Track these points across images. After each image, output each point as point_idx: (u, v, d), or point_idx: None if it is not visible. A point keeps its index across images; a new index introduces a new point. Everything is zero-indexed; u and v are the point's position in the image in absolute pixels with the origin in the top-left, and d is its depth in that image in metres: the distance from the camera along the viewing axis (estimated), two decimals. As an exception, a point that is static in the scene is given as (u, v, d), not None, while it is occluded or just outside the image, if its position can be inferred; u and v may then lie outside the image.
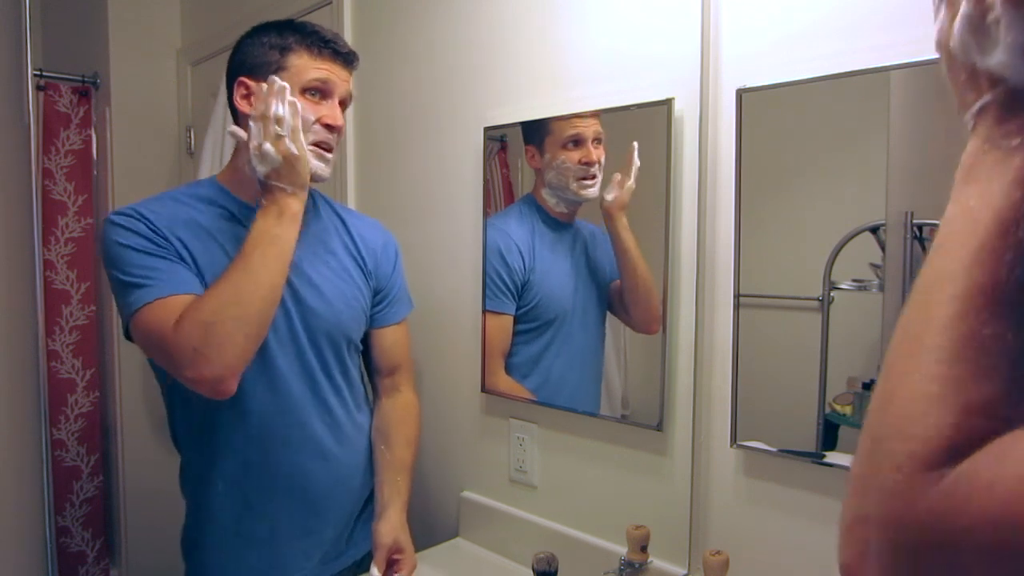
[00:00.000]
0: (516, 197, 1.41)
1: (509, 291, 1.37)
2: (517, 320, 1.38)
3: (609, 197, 1.23)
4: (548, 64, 1.33)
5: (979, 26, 0.42)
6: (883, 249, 0.94)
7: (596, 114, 1.24)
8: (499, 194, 1.43)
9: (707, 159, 1.11)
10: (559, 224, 1.33)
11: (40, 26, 2.51)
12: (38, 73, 2.20)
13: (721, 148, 1.10)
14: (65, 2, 2.45)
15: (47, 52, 2.50)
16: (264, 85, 1.09)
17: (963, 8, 0.42)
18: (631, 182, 1.21)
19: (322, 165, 1.14)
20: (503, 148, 1.42)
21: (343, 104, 1.18)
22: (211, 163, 2.05)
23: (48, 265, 2.24)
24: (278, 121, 1.06)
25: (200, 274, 1.08)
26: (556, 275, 1.34)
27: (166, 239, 1.07)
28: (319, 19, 1.77)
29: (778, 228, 1.06)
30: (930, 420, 0.40)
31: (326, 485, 1.22)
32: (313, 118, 1.12)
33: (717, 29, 1.10)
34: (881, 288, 0.96)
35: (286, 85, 1.08)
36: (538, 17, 1.34)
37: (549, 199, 1.32)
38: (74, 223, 2.30)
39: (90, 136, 2.32)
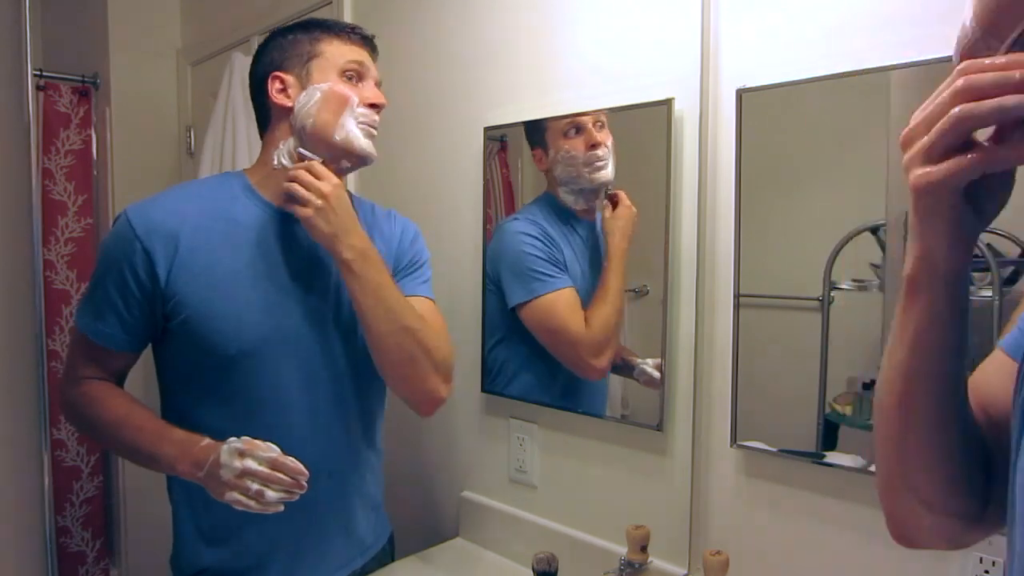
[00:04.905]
0: (516, 197, 1.41)
1: (562, 266, 1.32)
2: None
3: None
4: (548, 64, 1.32)
5: None
6: (883, 249, 0.95)
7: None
8: (499, 194, 1.43)
9: (707, 159, 1.11)
10: (579, 221, 1.31)
11: (40, 26, 2.51)
12: (38, 73, 2.20)
13: (721, 148, 1.10)
14: (65, 2, 2.45)
15: (47, 52, 2.49)
16: (294, 78, 1.11)
17: None
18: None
19: (370, 143, 1.14)
20: (503, 148, 1.42)
21: (377, 87, 1.18)
22: (211, 163, 2.05)
23: (48, 265, 2.24)
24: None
25: (193, 277, 1.05)
26: (576, 272, 1.32)
27: (135, 266, 1.05)
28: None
29: (778, 228, 1.06)
30: None
31: (328, 499, 1.16)
32: (357, 99, 1.12)
33: (717, 29, 1.10)
34: (881, 288, 0.96)
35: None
36: (538, 17, 1.34)
37: (566, 197, 1.30)
38: (74, 223, 2.30)
39: (90, 136, 2.32)
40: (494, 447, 1.47)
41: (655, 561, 1.16)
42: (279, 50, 1.14)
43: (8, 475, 1.36)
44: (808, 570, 1.05)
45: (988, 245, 0.85)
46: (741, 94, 1.05)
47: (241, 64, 1.96)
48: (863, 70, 0.94)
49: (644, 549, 1.14)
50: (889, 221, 0.94)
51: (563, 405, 1.34)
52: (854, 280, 0.98)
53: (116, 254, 1.07)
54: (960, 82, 0.45)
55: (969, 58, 0.47)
